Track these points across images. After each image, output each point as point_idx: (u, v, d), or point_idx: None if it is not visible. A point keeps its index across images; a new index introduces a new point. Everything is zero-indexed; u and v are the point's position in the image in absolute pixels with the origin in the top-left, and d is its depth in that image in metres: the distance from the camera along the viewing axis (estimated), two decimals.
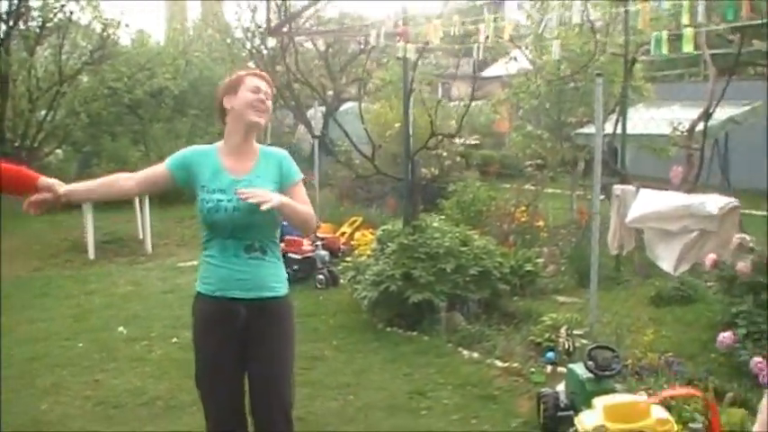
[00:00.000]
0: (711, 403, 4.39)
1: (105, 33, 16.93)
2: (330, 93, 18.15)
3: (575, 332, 6.35)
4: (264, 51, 17.87)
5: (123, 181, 3.58)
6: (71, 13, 16.09)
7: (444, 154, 10.29)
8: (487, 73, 22.29)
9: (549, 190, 12.55)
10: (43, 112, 16.12)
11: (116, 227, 12.55)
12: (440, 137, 8.08)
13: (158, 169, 3.57)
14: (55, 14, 15.97)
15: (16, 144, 15.69)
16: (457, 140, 11.18)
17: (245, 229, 3.45)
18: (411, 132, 8.09)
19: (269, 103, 3.57)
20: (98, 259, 10.41)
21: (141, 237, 12.03)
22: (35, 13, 16.07)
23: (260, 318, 3.51)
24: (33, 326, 7.69)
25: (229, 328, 3.49)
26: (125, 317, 7.99)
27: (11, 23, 15.65)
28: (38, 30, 16.26)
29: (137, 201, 12.00)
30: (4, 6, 15.49)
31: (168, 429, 5.09)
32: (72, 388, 5.86)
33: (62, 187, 3.40)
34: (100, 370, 4.97)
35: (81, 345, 6.97)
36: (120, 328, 7.54)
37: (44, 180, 3.38)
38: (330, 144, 14.68)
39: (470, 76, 26.78)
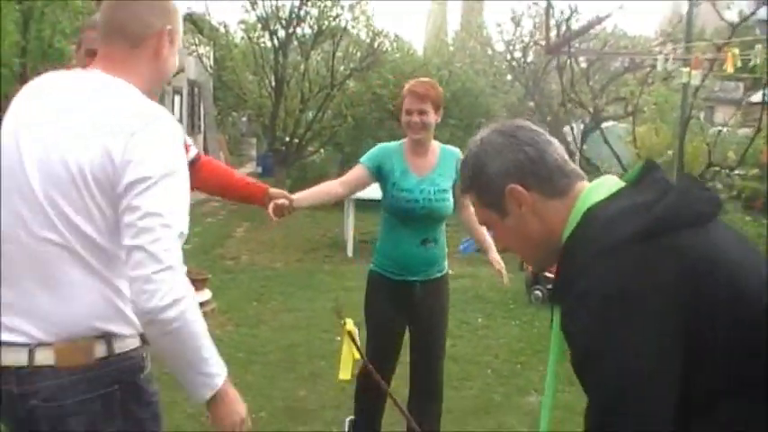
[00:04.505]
0: None
1: (375, 43, 17.70)
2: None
3: None
4: (524, 65, 17.96)
5: (335, 188, 4.06)
6: (347, 21, 16.98)
7: (719, 186, 9.78)
8: (757, 98, 20.96)
9: None
10: (311, 114, 17.08)
11: (373, 228, 12.99)
12: (717, 168, 7.70)
13: (357, 171, 4.07)
14: (330, 23, 16.90)
15: (286, 140, 16.81)
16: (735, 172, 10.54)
17: (424, 222, 4.04)
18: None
19: (423, 118, 3.91)
20: (356, 257, 10.79)
21: None
22: (311, 21, 17.09)
23: (427, 292, 4.13)
24: (294, 314, 7.96)
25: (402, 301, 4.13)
26: None
27: (290, 29, 16.74)
28: (313, 36, 17.28)
29: None
30: (285, 12, 16.60)
31: None
32: (329, 379, 5.96)
33: (291, 195, 3.77)
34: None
35: (339, 338, 7.22)
36: None
37: (273, 190, 3.73)
38: (586, 163, 14.44)
39: (738, 100, 25.40)
